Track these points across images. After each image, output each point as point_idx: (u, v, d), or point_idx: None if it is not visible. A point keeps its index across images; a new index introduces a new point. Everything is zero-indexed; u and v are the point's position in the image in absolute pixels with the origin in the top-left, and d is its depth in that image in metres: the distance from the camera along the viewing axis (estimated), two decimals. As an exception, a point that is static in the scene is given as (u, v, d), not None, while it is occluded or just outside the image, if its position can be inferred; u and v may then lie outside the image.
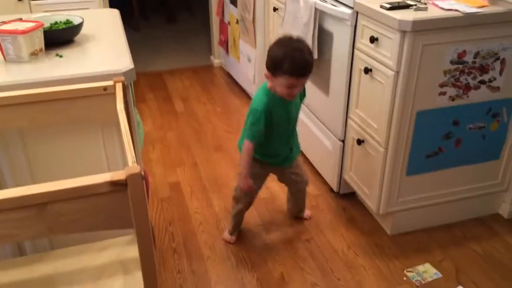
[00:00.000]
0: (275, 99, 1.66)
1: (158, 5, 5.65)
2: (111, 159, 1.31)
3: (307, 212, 2.09)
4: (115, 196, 0.78)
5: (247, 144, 1.70)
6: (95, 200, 0.78)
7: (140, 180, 0.76)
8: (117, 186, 0.77)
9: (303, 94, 1.80)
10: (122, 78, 1.16)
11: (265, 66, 1.65)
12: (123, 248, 1.25)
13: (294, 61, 1.54)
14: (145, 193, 0.78)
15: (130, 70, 1.24)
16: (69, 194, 0.76)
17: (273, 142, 1.76)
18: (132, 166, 0.77)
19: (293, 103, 1.73)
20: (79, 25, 1.52)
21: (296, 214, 2.09)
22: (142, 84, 3.59)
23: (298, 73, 1.56)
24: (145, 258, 0.82)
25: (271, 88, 1.67)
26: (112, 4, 2.91)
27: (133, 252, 1.23)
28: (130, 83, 1.30)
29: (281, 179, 1.96)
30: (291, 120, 1.76)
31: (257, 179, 1.83)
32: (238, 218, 1.95)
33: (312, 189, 2.28)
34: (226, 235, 1.97)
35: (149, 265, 0.83)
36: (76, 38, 1.54)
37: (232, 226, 1.95)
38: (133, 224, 0.80)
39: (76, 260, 1.21)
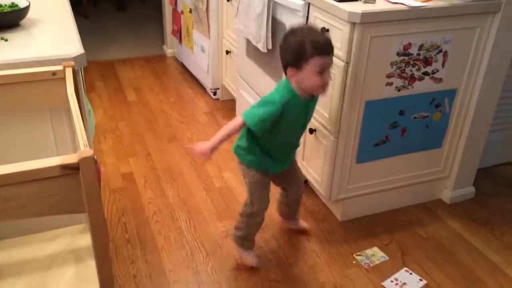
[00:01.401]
0: (296, 97, 1.52)
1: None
2: (60, 145, 1.28)
3: (304, 223, 1.96)
4: (67, 180, 0.76)
5: (240, 121, 1.51)
6: (45, 184, 0.76)
7: (92, 164, 0.76)
8: (69, 169, 0.75)
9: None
10: (72, 63, 1.13)
11: (283, 68, 1.52)
12: (75, 237, 1.22)
13: (316, 40, 1.44)
14: (98, 177, 0.78)
15: (81, 55, 1.21)
16: (19, 178, 0.74)
17: (280, 145, 1.64)
18: (85, 149, 0.76)
19: (312, 104, 1.61)
20: (25, 9, 1.46)
21: (291, 217, 1.94)
22: (93, 73, 3.49)
23: (325, 50, 1.44)
24: (98, 242, 0.81)
25: (295, 87, 1.52)
26: (59, -11, 2.80)
27: (85, 240, 1.21)
28: (81, 69, 1.27)
29: (279, 182, 1.84)
30: (306, 123, 1.66)
31: (264, 189, 1.69)
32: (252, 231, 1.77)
33: (265, 178, 2.32)
34: (245, 256, 1.78)
35: (102, 249, 0.82)
36: (22, 22, 1.48)
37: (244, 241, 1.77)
38: (85, 208, 0.79)
39: (25, 250, 1.18)
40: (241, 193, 2.19)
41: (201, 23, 3.00)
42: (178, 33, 3.53)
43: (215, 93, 3.14)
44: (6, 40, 1.33)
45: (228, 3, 2.68)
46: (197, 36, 3.13)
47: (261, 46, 2.19)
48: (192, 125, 2.81)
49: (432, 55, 1.79)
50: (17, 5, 1.50)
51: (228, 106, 3.04)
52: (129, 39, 4.25)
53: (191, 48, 3.29)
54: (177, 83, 3.40)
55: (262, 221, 1.74)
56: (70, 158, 0.75)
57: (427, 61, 1.80)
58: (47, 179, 0.75)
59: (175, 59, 3.81)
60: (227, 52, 2.86)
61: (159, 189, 2.22)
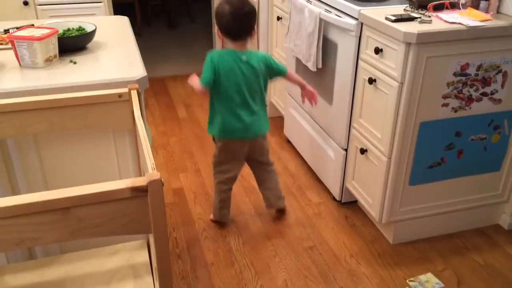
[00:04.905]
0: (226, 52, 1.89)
1: (159, 11, 5.70)
2: (122, 165, 1.33)
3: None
4: (135, 202, 0.80)
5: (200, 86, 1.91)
6: (116, 205, 0.80)
7: (160, 187, 0.79)
8: (138, 192, 0.79)
9: (272, 66, 1.96)
10: (137, 85, 1.19)
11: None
12: (133, 252, 1.26)
13: None
14: (163, 199, 0.80)
15: (144, 77, 1.26)
16: (92, 199, 0.78)
17: (228, 104, 1.88)
18: (153, 172, 0.80)
19: (249, 63, 1.90)
20: (92, 32, 1.55)
21: (274, 203, 2.11)
22: (145, 90, 3.61)
23: None
24: (161, 262, 0.84)
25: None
26: (116, 11, 2.94)
27: (143, 257, 1.25)
28: (142, 91, 1.32)
29: (248, 162, 2.06)
30: (244, 82, 1.87)
31: (232, 159, 1.98)
32: (222, 196, 2.04)
33: (314, 197, 2.31)
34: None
35: (165, 269, 0.84)
36: (89, 45, 1.56)
37: (214, 208, 2.08)
38: (151, 229, 0.82)
39: (86, 264, 1.23)
40: (290, 212, 2.19)
41: (251, 41, 3.04)
42: (227, 51, 3.60)
43: (263, 110, 3.16)
44: (75, 63, 1.41)
45: (278, 22, 2.71)
46: (246, 54, 3.18)
47: (310, 65, 2.20)
48: (241, 142, 2.84)
49: (491, 75, 1.74)
50: (84, 29, 1.59)
51: (276, 123, 3.06)
52: (180, 57, 4.38)
53: (240, 65, 3.33)
54: (225, 100, 3.46)
55: (228, 191, 2.05)
56: (139, 181, 0.79)
57: (485, 82, 1.75)
58: (118, 200, 0.79)
59: (223, 76, 3.88)
60: (277, 70, 2.88)
61: (208, 205, 2.25)
